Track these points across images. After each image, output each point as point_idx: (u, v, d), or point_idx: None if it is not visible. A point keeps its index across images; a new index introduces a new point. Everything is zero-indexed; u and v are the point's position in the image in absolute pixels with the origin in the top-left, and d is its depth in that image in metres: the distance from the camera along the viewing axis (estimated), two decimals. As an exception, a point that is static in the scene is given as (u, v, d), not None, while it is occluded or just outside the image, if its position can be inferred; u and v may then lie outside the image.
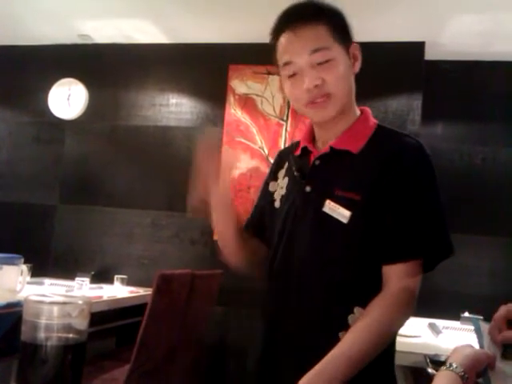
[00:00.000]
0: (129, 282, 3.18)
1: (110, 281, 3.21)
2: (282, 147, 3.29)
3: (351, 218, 1.04)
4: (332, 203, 1.07)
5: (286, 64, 1.08)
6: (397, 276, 1.02)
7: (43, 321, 0.99)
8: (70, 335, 1.00)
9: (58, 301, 1.02)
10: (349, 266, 1.06)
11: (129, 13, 3.25)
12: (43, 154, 3.75)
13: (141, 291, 3.02)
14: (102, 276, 3.31)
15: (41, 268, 3.11)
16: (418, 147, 1.08)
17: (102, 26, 3.48)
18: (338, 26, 1.08)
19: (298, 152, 1.20)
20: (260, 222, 1.27)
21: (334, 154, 1.11)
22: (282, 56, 1.08)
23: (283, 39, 1.07)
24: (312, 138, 1.20)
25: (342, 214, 1.05)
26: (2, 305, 2.33)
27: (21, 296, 2.31)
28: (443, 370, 0.74)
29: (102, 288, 2.90)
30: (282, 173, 1.24)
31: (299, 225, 1.12)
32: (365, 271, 1.05)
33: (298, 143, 1.24)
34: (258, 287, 1.22)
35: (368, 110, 1.18)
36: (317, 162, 1.13)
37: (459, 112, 3.40)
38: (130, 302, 2.84)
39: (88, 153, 3.68)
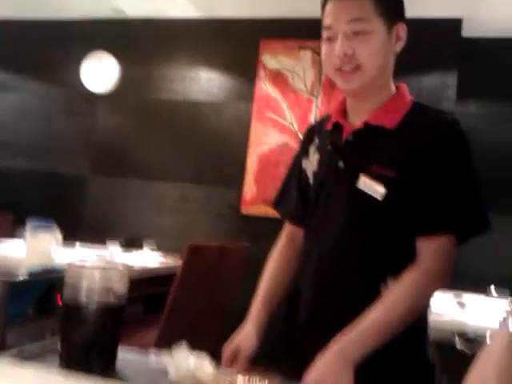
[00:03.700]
0: (158, 250, 3.23)
1: (139, 248, 3.27)
2: (313, 123, 3.27)
3: (386, 195, 1.05)
4: (367, 180, 1.07)
5: (327, 28, 1.10)
6: (429, 249, 1.03)
7: (85, 284, 1.03)
8: (110, 299, 1.05)
9: (99, 266, 1.07)
10: (383, 242, 1.08)
11: (162, -15, 3.24)
12: (76, 127, 3.82)
13: (169, 259, 3.08)
14: (132, 245, 3.38)
15: (72, 235, 3.19)
16: (454, 124, 1.08)
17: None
18: (386, 1, 1.08)
19: (330, 127, 1.19)
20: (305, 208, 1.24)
21: (368, 129, 1.11)
22: (325, 19, 1.11)
23: (330, 3, 1.10)
24: (344, 112, 1.18)
25: (377, 190, 1.06)
26: (38, 270, 2.43)
27: (55, 262, 2.39)
28: (499, 331, 0.66)
29: (131, 252, 2.96)
30: (312, 149, 1.23)
31: (332, 201, 1.13)
32: (399, 247, 1.07)
33: (328, 117, 1.23)
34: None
35: (404, 86, 1.17)
36: (350, 138, 1.13)
37: (496, 91, 3.32)
38: (160, 272, 2.91)
39: (119, 126, 3.73)
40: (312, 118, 3.29)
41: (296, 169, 1.28)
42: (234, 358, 1.15)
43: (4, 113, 4.01)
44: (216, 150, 3.50)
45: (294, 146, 3.27)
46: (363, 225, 1.09)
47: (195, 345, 1.08)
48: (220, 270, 2.60)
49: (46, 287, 2.43)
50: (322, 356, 0.98)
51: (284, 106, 3.35)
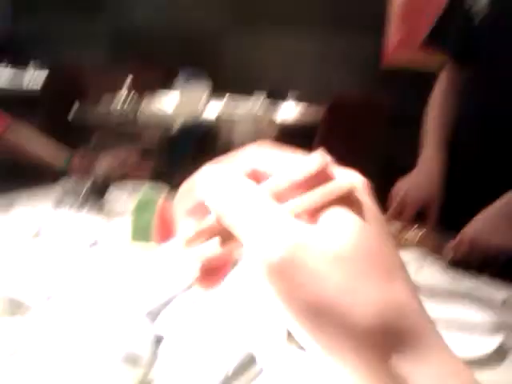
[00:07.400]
0: (302, 99, 3.17)
1: (284, 100, 3.25)
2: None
3: None
4: None
5: None
6: None
7: (236, 135, 1.09)
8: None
9: (248, 116, 1.11)
10: None
11: None
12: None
13: (313, 111, 3.03)
14: (276, 97, 3.36)
15: (218, 88, 3.29)
16: None
17: None
18: None
19: None
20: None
21: None
22: None
23: None
24: None
25: None
26: (190, 120, 2.61)
27: (206, 112, 2.53)
28: None
29: (276, 105, 2.95)
30: None
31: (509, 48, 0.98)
32: None
33: None
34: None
35: None
36: None
37: None
38: (302, 124, 2.92)
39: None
40: None
41: None
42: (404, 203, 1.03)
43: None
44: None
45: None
46: None
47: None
48: (362, 127, 2.54)
49: (198, 138, 2.63)
50: (484, 211, 0.89)
51: None
